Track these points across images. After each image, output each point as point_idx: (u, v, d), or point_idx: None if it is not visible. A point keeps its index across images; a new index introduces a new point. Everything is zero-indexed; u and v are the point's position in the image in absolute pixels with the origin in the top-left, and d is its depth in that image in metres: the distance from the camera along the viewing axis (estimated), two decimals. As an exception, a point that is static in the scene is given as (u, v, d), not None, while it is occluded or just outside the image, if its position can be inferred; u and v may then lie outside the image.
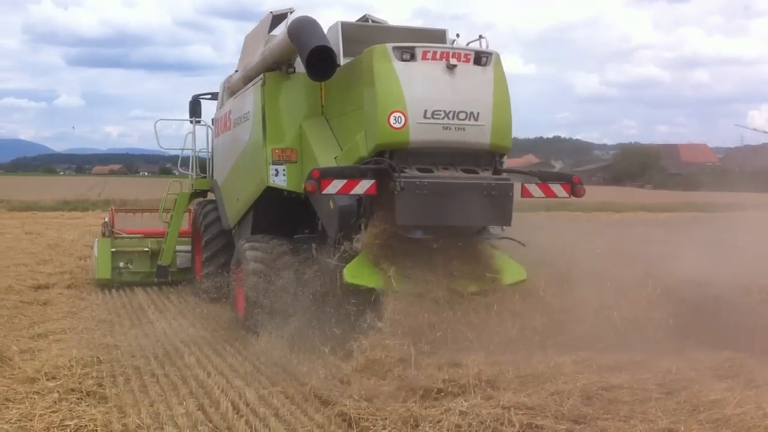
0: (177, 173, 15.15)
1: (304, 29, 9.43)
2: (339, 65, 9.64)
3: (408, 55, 8.65)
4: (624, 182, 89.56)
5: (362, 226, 8.80)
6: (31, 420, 6.30)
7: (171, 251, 14.59)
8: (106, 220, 16.26)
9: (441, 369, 7.21)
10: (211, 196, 14.29)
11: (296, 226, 10.75)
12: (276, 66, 10.45)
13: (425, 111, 8.60)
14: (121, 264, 14.76)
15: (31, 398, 6.85)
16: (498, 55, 9.09)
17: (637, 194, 64.59)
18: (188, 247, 14.71)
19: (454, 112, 8.69)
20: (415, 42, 9.05)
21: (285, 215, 10.79)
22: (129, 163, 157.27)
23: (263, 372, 8.15)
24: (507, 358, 7.53)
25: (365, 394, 6.73)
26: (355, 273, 8.41)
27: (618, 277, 10.42)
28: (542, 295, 9.23)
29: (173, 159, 15.35)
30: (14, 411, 6.49)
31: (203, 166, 14.90)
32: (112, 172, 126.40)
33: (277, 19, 10.85)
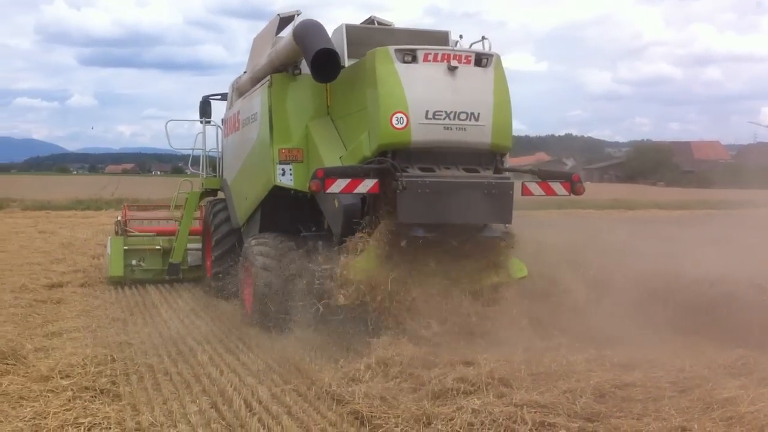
0: (189, 172, 15.32)
1: (308, 32, 9.58)
2: (343, 67, 9.83)
3: (410, 57, 8.83)
4: (636, 180, 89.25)
5: (366, 225, 8.92)
6: (45, 418, 6.32)
7: (182, 249, 14.76)
8: (119, 218, 16.40)
9: (453, 367, 7.22)
10: (221, 195, 14.38)
11: (303, 225, 10.90)
12: (282, 68, 10.60)
13: (427, 112, 8.76)
14: (134, 262, 14.97)
15: (45, 396, 6.88)
16: (499, 57, 9.22)
17: (650, 192, 64.32)
18: (199, 245, 14.86)
19: (455, 112, 8.84)
20: (418, 44, 9.22)
21: (292, 214, 10.96)
22: (142, 162, 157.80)
23: (276, 370, 8.16)
24: (519, 357, 7.54)
25: (378, 393, 6.74)
26: (361, 269, 8.54)
27: (630, 275, 10.43)
28: (551, 291, 9.28)
29: (185, 158, 15.52)
30: (28, 409, 6.51)
31: (214, 165, 15.03)
32: (125, 172, 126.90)
33: (284, 21, 11.01)
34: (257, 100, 11.15)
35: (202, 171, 14.91)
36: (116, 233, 15.71)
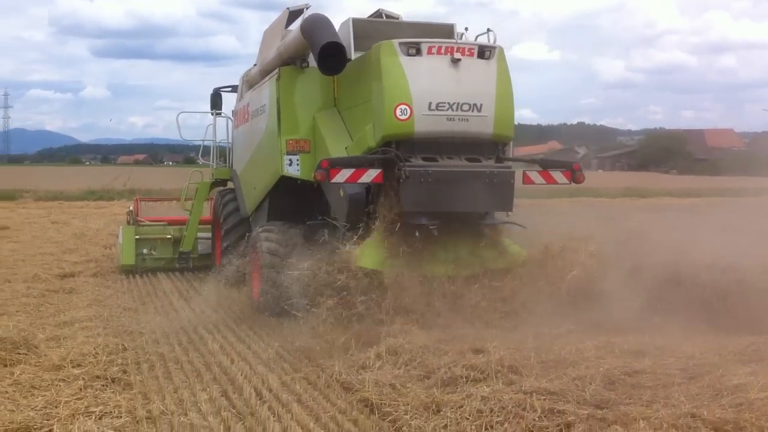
0: (201, 163, 15.52)
1: (315, 26, 9.79)
2: (350, 60, 10.01)
3: (414, 50, 9.02)
4: (649, 168, 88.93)
5: (371, 213, 9.12)
6: (56, 407, 6.34)
7: (192, 238, 15.02)
8: (131, 208, 16.64)
9: (463, 355, 7.22)
10: (231, 185, 14.56)
11: (310, 214, 11.09)
12: (291, 61, 10.82)
13: (430, 103, 8.95)
14: (145, 251, 15.24)
15: (56, 385, 6.91)
16: (501, 49, 9.40)
17: (662, 180, 64.13)
18: (209, 234, 15.09)
19: (458, 103, 9.04)
20: (424, 36, 9.42)
21: (299, 203, 11.19)
22: (154, 152, 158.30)
23: (285, 358, 8.19)
24: (529, 344, 7.55)
25: (387, 381, 6.75)
26: (366, 257, 8.70)
27: (641, 262, 10.40)
28: (561, 277, 9.28)
29: (197, 149, 15.77)
30: (40, 398, 6.54)
31: (224, 156, 15.24)
32: (137, 162, 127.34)
33: (294, 14, 11.16)
34: (266, 92, 11.33)
35: (213, 162, 15.12)
36: (128, 223, 15.94)
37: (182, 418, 6.26)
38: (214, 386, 7.20)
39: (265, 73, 11.85)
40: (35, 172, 62.38)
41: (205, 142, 15.26)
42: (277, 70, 10.87)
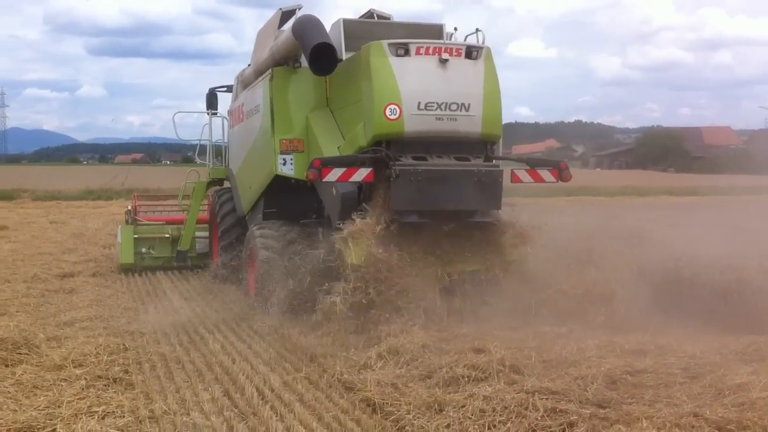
0: (198, 162, 15.65)
1: (306, 27, 9.93)
2: (341, 60, 10.19)
3: (402, 50, 9.15)
4: (646, 166, 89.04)
5: (363, 211, 9.18)
6: (59, 407, 6.36)
7: (190, 237, 15.20)
8: (129, 208, 16.82)
9: (464, 354, 7.23)
10: (227, 184, 14.69)
11: (305, 212, 11.36)
12: (283, 61, 10.99)
13: (419, 103, 9.08)
14: (144, 249, 15.36)
15: (58, 385, 6.92)
16: (489, 49, 9.55)
17: (660, 178, 64.21)
18: (206, 233, 15.30)
19: (447, 103, 9.17)
20: (413, 37, 9.64)
21: (294, 202, 11.40)
22: (151, 152, 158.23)
23: (287, 358, 8.20)
24: (530, 344, 7.56)
25: (389, 380, 6.77)
26: (359, 255, 8.73)
27: (639, 261, 10.42)
28: (558, 276, 9.31)
29: (195, 148, 15.90)
30: (42, 398, 6.55)
31: (220, 155, 15.41)
32: (134, 161, 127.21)
33: (287, 15, 11.28)
34: (260, 93, 11.50)
35: (209, 161, 15.29)
36: (126, 222, 16.06)
37: (185, 418, 6.28)
38: (216, 386, 7.21)
39: (258, 73, 12.00)
40: (33, 172, 62.27)
41: (202, 142, 15.42)
42: (270, 71, 11.04)
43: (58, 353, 7.85)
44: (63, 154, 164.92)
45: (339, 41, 10.57)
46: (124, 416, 6.27)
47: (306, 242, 10.29)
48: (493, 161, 9.69)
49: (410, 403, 6.23)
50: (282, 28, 11.34)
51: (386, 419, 6.15)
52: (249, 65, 13.11)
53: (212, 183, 15.28)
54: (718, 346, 7.50)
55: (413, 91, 9.08)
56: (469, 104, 9.26)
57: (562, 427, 5.63)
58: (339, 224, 9.07)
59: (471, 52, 9.38)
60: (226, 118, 15.10)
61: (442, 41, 9.94)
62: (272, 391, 6.98)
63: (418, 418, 5.99)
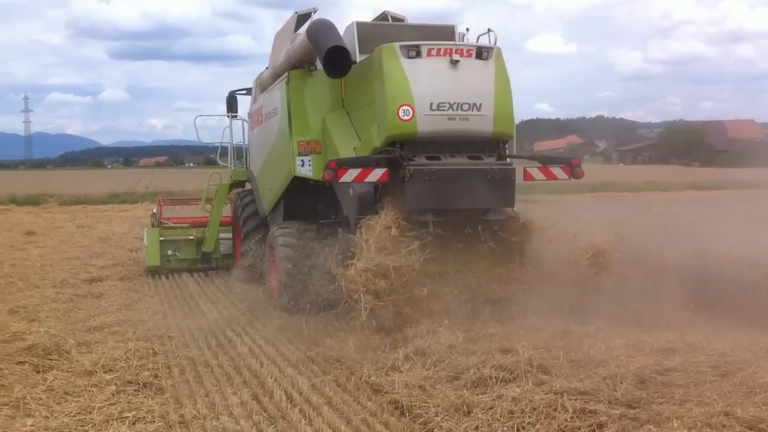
0: (220, 164, 15.85)
1: (320, 31, 10.11)
2: (355, 62, 10.36)
3: (414, 52, 9.30)
4: (670, 161, 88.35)
5: (380, 211, 9.31)
6: (90, 412, 6.42)
7: (214, 239, 15.41)
8: (155, 211, 17.12)
9: (491, 355, 7.21)
10: (248, 186, 14.82)
11: (324, 212, 11.61)
12: (299, 64, 11.13)
13: (431, 103, 9.22)
14: (169, 252, 15.62)
15: (89, 391, 6.99)
16: (499, 49, 9.69)
17: (684, 172, 63.69)
18: (230, 235, 15.48)
19: (458, 103, 9.30)
20: (426, 38, 9.91)
21: (313, 202, 11.65)
22: (174, 154, 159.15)
23: (315, 360, 8.22)
24: (557, 343, 7.53)
25: (416, 382, 6.77)
26: (378, 256, 8.68)
27: (666, 257, 10.36)
28: (587, 275, 9.28)
29: (217, 150, 16.11)
30: (74, 404, 6.62)
31: (241, 156, 15.52)
32: (158, 164, 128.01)
33: (302, 18, 11.43)
34: (277, 96, 11.67)
35: (230, 164, 15.49)
36: (152, 225, 16.35)
37: (215, 423, 6.33)
38: (245, 390, 7.25)
39: (276, 76, 12.16)
40: (58, 177, 62.88)
41: (223, 144, 15.65)
42: (286, 74, 11.19)
43: (89, 358, 7.92)
44: (87, 158, 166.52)
45: (353, 44, 10.72)
46: (154, 421, 6.32)
47: (326, 242, 10.46)
48: (507, 159, 9.79)
49: (438, 405, 6.23)
50: (298, 32, 11.48)
51: (414, 422, 6.16)
52: (267, 68, 13.28)
53: (234, 185, 15.44)
54: (747, 343, 7.44)
55: (425, 92, 9.23)
56: (480, 104, 9.38)
57: (592, 428, 5.61)
58: (357, 224, 9.19)
59: (482, 53, 9.51)
60: (246, 121, 15.22)
61: (452, 42, 10.09)
62: (300, 394, 7.01)
63: (446, 420, 6.00)
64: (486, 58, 9.50)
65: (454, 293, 8.94)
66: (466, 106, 9.32)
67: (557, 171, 9.81)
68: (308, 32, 10.32)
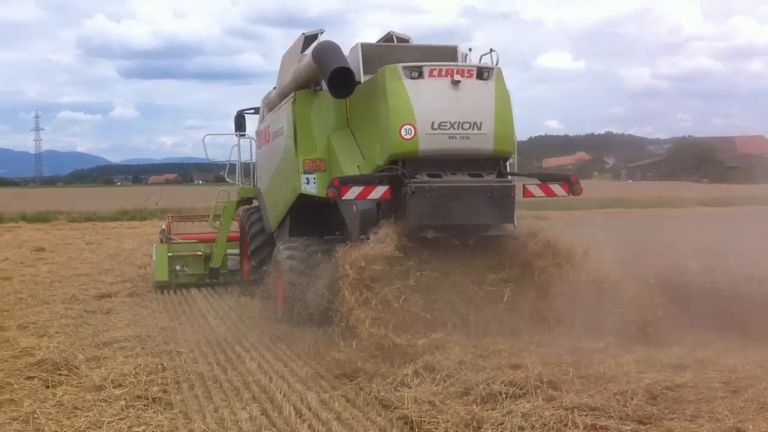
0: (229, 181, 16.04)
1: (325, 52, 10.38)
2: (359, 83, 10.58)
3: (416, 73, 9.54)
4: (679, 177, 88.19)
5: (382, 227, 9.40)
6: (100, 428, 6.43)
7: (221, 255, 15.59)
8: (164, 227, 17.30)
9: (501, 370, 7.18)
10: (256, 203, 15.04)
11: (328, 229, 11.78)
12: (305, 84, 11.40)
13: (432, 123, 9.45)
14: (178, 267, 15.77)
15: (99, 406, 6.99)
16: (500, 70, 9.90)
17: (694, 189, 63.49)
18: (237, 251, 15.58)
19: (459, 122, 9.52)
20: (428, 59, 10.22)
21: (318, 219, 11.85)
22: (184, 172, 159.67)
23: (323, 376, 8.20)
24: (567, 359, 7.50)
25: (426, 397, 6.74)
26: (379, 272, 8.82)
27: (676, 273, 10.33)
28: (597, 291, 9.26)
29: (225, 167, 16.35)
30: (83, 419, 6.62)
31: (248, 174, 15.80)
32: (167, 182, 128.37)
33: (309, 40, 11.76)
34: (284, 115, 11.95)
35: (238, 181, 15.81)
36: (161, 241, 16.46)
37: (224, 438, 6.31)
38: (254, 405, 7.21)
39: (283, 96, 12.47)
40: (68, 194, 63.10)
41: (231, 162, 15.95)
42: (293, 94, 11.46)
43: (98, 374, 7.93)
44: (97, 175, 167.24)
45: (357, 65, 10.98)
46: (163, 436, 6.32)
47: (329, 257, 10.47)
48: (508, 177, 9.96)
49: (448, 421, 6.20)
50: (305, 53, 11.71)
51: (424, 437, 6.13)
52: (274, 88, 13.55)
53: (242, 202, 15.67)
54: (759, 359, 7.41)
55: (427, 112, 9.42)
56: (481, 123, 9.57)
57: (603, 443, 5.59)
58: (360, 240, 9.34)
59: (482, 73, 9.70)
60: (253, 139, 15.50)
61: (454, 63, 10.26)
62: (309, 409, 6.99)
63: (456, 435, 5.97)
64: (486, 79, 9.72)
65: (458, 309, 9.00)
66: (466, 125, 9.52)
67: (556, 188, 10.02)
68: (314, 54, 10.60)
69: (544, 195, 10.08)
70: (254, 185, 15.22)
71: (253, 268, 13.94)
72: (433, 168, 9.61)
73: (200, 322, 11.85)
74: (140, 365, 8.24)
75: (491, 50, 10.25)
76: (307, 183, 11.05)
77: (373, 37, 11.23)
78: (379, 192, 9.36)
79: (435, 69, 9.58)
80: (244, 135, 15.75)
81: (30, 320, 11.20)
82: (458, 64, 10.25)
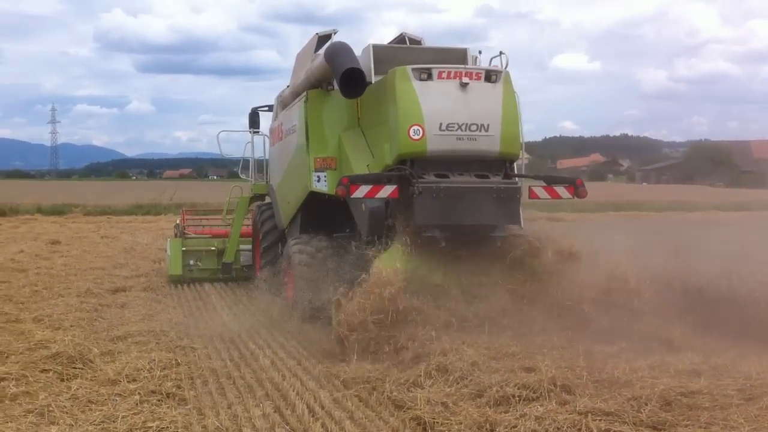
0: (242, 177, 16.21)
1: (337, 53, 10.56)
2: (370, 83, 10.74)
3: (425, 75, 9.69)
4: (695, 180, 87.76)
5: (391, 226, 9.68)
6: (114, 421, 6.44)
7: (234, 250, 15.83)
8: (178, 222, 17.54)
9: (514, 373, 7.18)
10: (268, 199, 15.22)
11: (339, 226, 11.95)
12: (318, 84, 11.60)
13: (441, 124, 9.60)
14: (191, 262, 16.02)
15: (113, 400, 7.02)
16: (508, 73, 10.06)
17: (709, 193, 63.20)
18: (250, 246, 15.81)
19: (467, 124, 9.66)
20: (438, 60, 10.41)
21: (328, 216, 11.96)
22: (198, 167, 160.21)
23: (336, 375, 8.20)
24: (581, 363, 7.48)
25: (439, 399, 6.74)
26: (388, 264, 8.96)
27: (691, 278, 10.28)
28: (609, 295, 9.26)
29: (239, 163, 16.54)
30: (97, 413, 6.65)
31: (262, 170, 16.08)
32: (182, 177, 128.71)
33: (323, 39, 11.89)
34: (296, 113, 12.13)
35: (251, 177, 16.03)
36: (175, 236, 16.68)
37: (237, 435, 6.32)
38: (267, 402, 7.24)
39: (296, 94, 12.62)
40: (83, 187, 63.41)
41: (245, 158, 16.19)
42: (305, 93, 11.63)
43: (112, 368, 7.97)
44: (112, 169, 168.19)
45: (368, 65, 11.13)
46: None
47: (339, 254, 10.85)
48: (514, 178, 10.10)
49: (461, 423, 6.20)
50: (318, 52, 11.81)
51: (437, 438, 6.13)
52: (288, 86, 13.72)
53: (254, 198, 15.82)
54: (774, 367, 7.35)
55: (435, 113, 9.56)
56: (488, 125, 9.71)
57: (616, 449, 5.57)
58: (369, 238, 9.55)
59: (490, 76, 9.84)
60: (267, 136, 15.68)
61: (462, 66, 10.34)
62: (323, 408, 6.99)
63: (469, 437, 5.97)
64: (495, 81, 9.86)
65: (469, 310, 9.00)
66: (474, 127, 9.66)
67: (561, 190, 10.14)
68: (326, 54, 10.78)
69: (549, 197, 10.19)
70: (267, 182, 15.40)
71: (265, 264, 14.10)
72: (440, 168, 9.72)
73: (214, 318, 11.89)
74: (154, 360, 8.28)
75: (501, 53, 10.37)
76: (318, 181, 11.22)
77: (388, 35, 11.33)
78: (387, 191, 9.48)
79: (444, 71, 9.73)
80: (258, 132, 15.96)
81: (45, 313, 11.24)
82: (467, 66, 10.36)
